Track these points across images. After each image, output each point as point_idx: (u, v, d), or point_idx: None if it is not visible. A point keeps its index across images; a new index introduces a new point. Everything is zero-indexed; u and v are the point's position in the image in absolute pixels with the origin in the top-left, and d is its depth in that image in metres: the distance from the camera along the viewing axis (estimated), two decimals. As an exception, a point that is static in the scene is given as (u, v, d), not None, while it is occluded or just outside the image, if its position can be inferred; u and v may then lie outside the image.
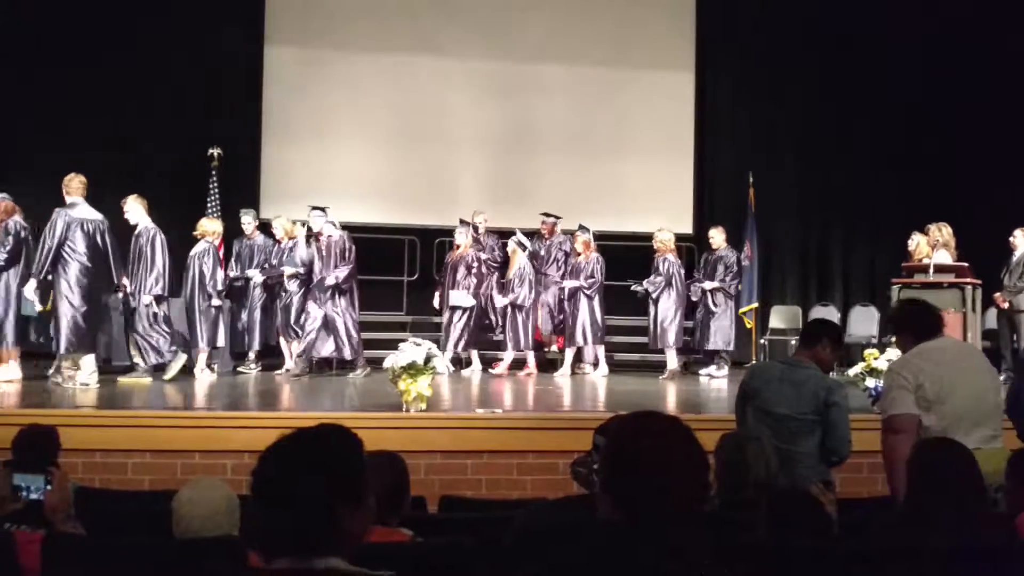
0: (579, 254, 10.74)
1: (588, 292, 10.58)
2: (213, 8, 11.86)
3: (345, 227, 10.39)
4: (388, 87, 12.43)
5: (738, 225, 12.27)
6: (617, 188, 12.62)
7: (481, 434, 6.92)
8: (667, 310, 10.49)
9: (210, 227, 9.92)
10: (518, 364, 10.77)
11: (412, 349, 7.22)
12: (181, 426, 6.84)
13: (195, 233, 9.82)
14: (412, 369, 7.12)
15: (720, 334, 10.69)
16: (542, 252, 11.18)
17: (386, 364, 7.37)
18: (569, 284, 10.71)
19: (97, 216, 8.74)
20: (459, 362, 10.76)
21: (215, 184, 11.40)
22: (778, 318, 12.35)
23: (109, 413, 7.13)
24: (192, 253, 9.73)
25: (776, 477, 3.90)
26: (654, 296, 10.50)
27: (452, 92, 12.55)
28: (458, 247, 10.79)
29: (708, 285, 10.74)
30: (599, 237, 10.96)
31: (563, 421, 7.28)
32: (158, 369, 8.98)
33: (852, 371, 7.88)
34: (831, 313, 11.98)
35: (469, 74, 12.61)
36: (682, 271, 10.71)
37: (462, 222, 10.88)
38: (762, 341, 11.85)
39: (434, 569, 2.99)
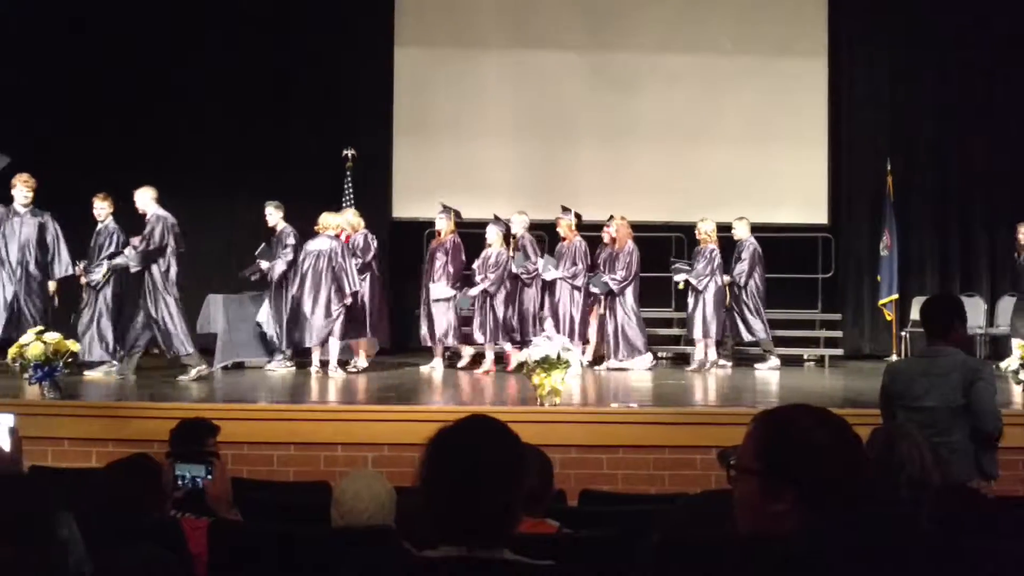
0: (563, 238, 10.17)
1: (573, 283, 10.05)
2: (345, 12, 12.08)
3: (474, 224, 10.52)
4: (513, 83, 12.46)
5: (876, 214, 11.93)
6: (747, 179, 12.33)
7: (616, 429, 6.91)
8: (711, 302, 10.29)
9: (333, 220, 9.80)
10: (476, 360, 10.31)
11: (546, 344, 7.26)
12: (324, 419, 7.04)
13: (316, 227, 9.75)
14: (546, 363, 7.13)
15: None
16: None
17: (520, 358, 7.45)
18: (550, 275, 10.01)
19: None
20: (454, 356, 10.49)
21: (349, 184, 11.57)
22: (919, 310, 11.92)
23: (256, 407, 7.42)
24: (317, 248, 9.55)
25: (931, 474, 3.76)
26: (700, 288, 10.29)
27: (575, 86, 12.45)
28: (439, 232, 10.31)
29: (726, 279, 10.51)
30: (726, 229, 10.74)
31: (699, 416, 7.21)
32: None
33: (1005, 364, 7.58)
34: (976, 304, 11.54)
35: (592, 67, 12.45)
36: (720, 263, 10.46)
37: (496, 219, 10.32)
38: (903, 333, 11.52)
39: (586, 559, 3.01)
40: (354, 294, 9.66)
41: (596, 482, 6.23)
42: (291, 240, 9.89)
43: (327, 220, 9.79)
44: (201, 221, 11.26)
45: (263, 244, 10.10)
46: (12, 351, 7.40)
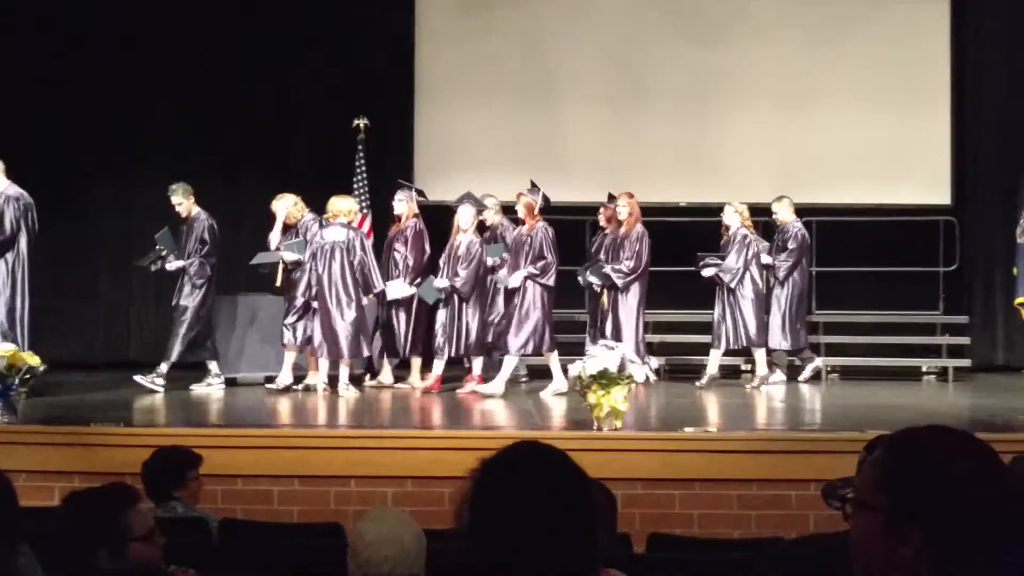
0: (522, 222, 9.89)
1: (546, 282, 9.65)
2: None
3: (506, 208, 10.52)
4: (565, 34, 12.43)
5: (1011, 192, 11.75)
6: (850, 151, 12.24)
7: (691, 459, 6.88)
8: (748, 300, 10.24)
9: (345, 205, 9.89)
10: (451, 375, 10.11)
11: (604, 354, 7.24)
12: (333, 447, 7.06)
13: (326, 216, 9.87)
14: (604, 379, 7.10)
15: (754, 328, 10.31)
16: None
17: (572, 372, 7.43)
18: (514, 282, 9.62)
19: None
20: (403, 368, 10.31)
21: (362, 160, 11.58)
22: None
23: (252, 432, 7.43)
24: (332, 240, 9.66)
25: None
26: (731, 285, 10.28)
27: (643, 38, 12.45)
28: (399, 217, 10.27)
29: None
30: (826, 211, 10.63)
31: (795, 442, 7.13)
32: None
33: None
34: None
35: (664, 14, 12.47)
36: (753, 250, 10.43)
37: (468, 197, 9.97)
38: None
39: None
40: (379, 294, 9.86)
41: (667, 523, 6.20)
42: (207, 234, 10.02)
43: (338, 205, 9.85)
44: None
45: (164, 228, 10.07)
46: None
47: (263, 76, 12.29)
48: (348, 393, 9.35)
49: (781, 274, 10.60)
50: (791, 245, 10.63)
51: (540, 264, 9.60)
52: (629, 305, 10.33)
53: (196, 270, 9.84)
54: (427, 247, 10.20)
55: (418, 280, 9.97)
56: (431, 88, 12.51)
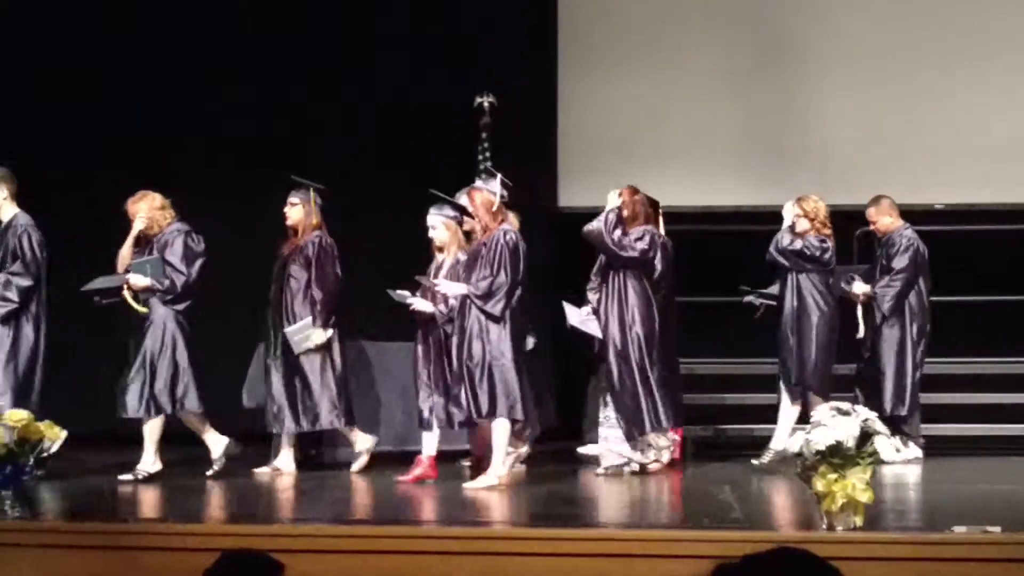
0: (477, 229, 9.72)
1: (489, 310, 9.40)
2: None
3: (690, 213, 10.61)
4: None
5: None
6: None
7: (968, 571, 6.75)
8: (813, 333, 10.42)
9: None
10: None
11: (837, 421, 7.11)
12: (453, 551, 7.03)
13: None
14: (838, 456, 7.02)
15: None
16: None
17: (791, 447, 7.38)
18: (450, 288, 9.61)
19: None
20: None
21: (486, 149, 11.71)
22: None
23: (342, 531, 7.43)
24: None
25: None
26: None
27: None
28: (293, 229, 10.42)
29: (858, 288, 10.90)
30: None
31: None
32: None
33: None
34: None
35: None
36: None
37: (439, 200, 10.09)
38: None
39: None
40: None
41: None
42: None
43: None
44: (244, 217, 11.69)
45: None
46: None
47: (351, 45, 12.69)
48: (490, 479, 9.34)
49: (887, 303, 10.81)
50: (901, 260, 10.87)
51: (485, 283, 9.34)
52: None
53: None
54: (338, 270, 10.26)
55: (332, 319, 10.13)
56: (581, 52, 12.73)
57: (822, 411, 7.35)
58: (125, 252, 10.04)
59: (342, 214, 10.71)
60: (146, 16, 12.82)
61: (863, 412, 7.26)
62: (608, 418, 9.98)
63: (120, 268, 10.02)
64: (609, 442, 9.98)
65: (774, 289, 10.72)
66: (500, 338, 9.30)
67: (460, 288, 9.40)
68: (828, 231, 10.55)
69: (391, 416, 11.03)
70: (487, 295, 9.30)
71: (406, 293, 9.90)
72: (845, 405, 7.38)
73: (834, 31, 12.84)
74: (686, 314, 10.97)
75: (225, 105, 12.67)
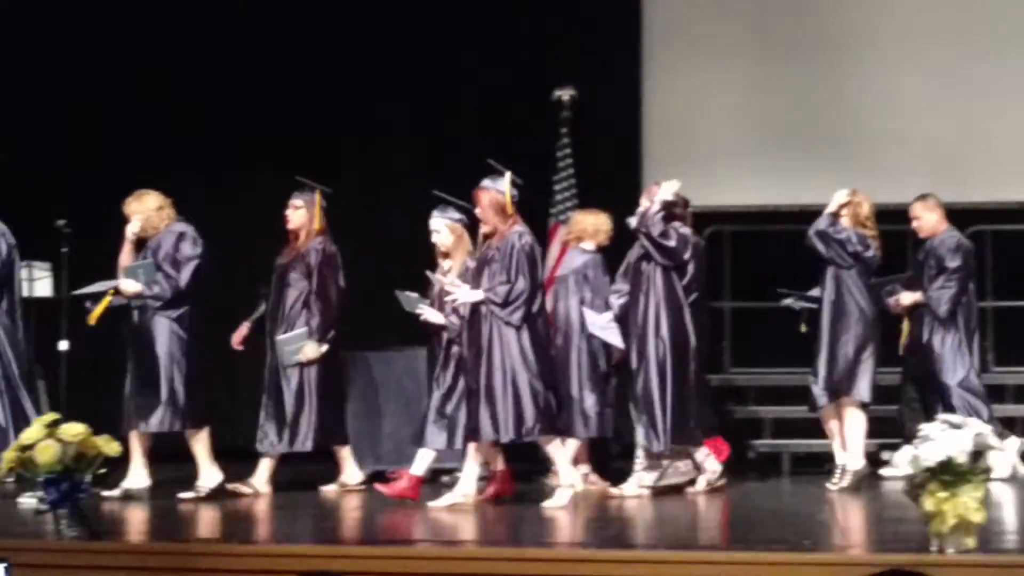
0: (487, 233, 9.36)
1: (507, 318, 9.06)
2: None
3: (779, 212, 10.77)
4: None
5: None
6: None
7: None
8: (851, 329, 10.15)
9: (591, 223, 10.17)
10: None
11: (948, 435, 6.88)
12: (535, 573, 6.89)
13: (568, 236, 10.26)
14: (949, 473, 6.78)
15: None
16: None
17: (897, 461, 7.58)
18: (465, 295, 9.23)
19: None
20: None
21: (566, 147, 11.65)
22: None
23: (434, 553, 7.39)
24: (570, 269, 10.05)
25: None
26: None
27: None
28: (295, 234, 10.17)
29: (906, 298, 10.70)
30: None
31: None
32: None
33: None
34: None
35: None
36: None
37: (443, 202, 9.82)
38: None
39: None
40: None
41: None
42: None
43: (584, 223, 10.24)
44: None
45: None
46: (7, 457, 7.46)
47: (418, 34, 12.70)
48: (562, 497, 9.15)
49: (943, 306, 10.55)
50: (950, 262, 10.64)
51: (503, 289, 9.02)
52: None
53: None
54: (341, 281, 9.98)
55: (331, 334, 9.83)
56: (668, 40, 12.61)
57: (933, 425, 7.13)
58: (124, 258, 9.82)
59: (413, 217, 10.55)
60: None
61: (976, 425, 7.03)
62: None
63: (121, 276, 9.82)
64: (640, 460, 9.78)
65: (816, 292, 10.43)
66: (522, 348, 9.01)
67: (476, 295, 9.07)
68: (871, 232, 10.27)
69: (398, 433, 10.81)
70: (506, 303, 8.99)
71: (415, 295, 9.71)
72: (956, 418, 7.23)
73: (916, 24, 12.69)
74: (756, 320, 10.67)
75: (298, 107, 12.81)
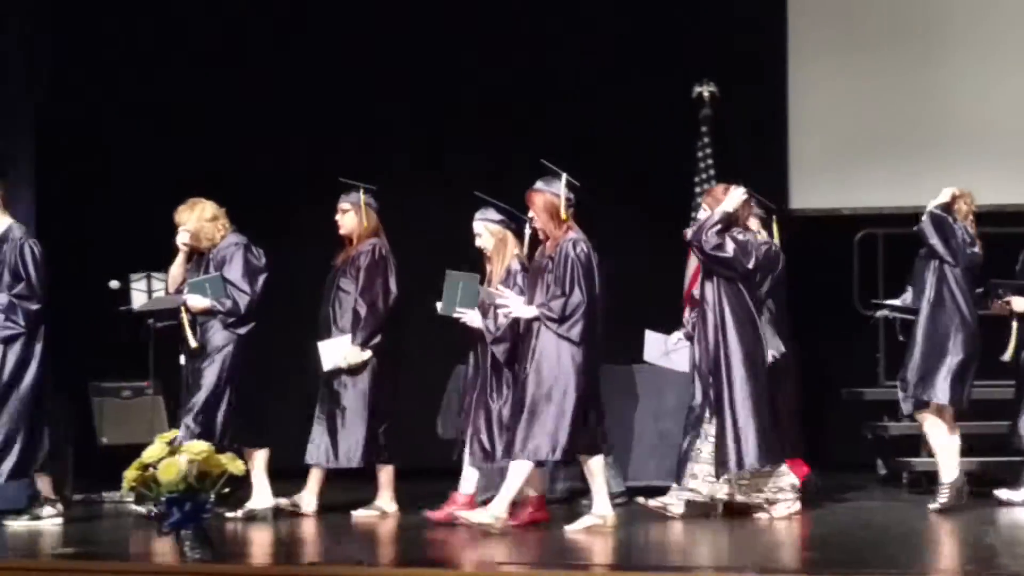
0: (542, 239, 9.06)
1: (566, 334, 8.78)
2: None
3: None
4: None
5: None
6: None
7: None
8: (949, 333, 9.83)
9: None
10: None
11: None
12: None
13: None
14: None
15: None
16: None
17: None
18: (521, 311, 8.94)
19: None
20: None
21: (706, 146, 11.56)
22: None
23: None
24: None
25: None
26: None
27: None
28: (348, 239, 9.85)
29: (1019, 304, 10.16)
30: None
31: None
32: None
33: None
34: None
35: None
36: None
37: (487, 204, 9.48)
38: None
39: None
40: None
41: None
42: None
43: None
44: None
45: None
46: (129, 476, 7.36)
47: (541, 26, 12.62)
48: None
49: None
50: None
51: (558, 303, 8.72)
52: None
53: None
54: (392, 284, 9.67)
55: (376, 340, 9.51)
56: (815, 34, 12.45)
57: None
58: (175, 271, 9.58)
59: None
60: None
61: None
62: (699, 452, 9.35)
63: (171, 290, 9.61)
64: (698, 479, 9.37)
65: (900, 299, 10.14)
66: (577, 366, 8.74)
67: (530, 311, 8.82)
68: (974, 231, 10.03)
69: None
70: (562, 318, 8.69)
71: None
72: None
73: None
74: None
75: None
